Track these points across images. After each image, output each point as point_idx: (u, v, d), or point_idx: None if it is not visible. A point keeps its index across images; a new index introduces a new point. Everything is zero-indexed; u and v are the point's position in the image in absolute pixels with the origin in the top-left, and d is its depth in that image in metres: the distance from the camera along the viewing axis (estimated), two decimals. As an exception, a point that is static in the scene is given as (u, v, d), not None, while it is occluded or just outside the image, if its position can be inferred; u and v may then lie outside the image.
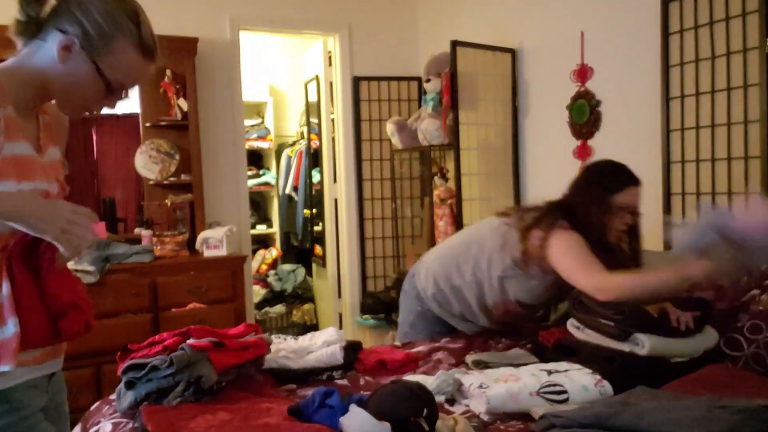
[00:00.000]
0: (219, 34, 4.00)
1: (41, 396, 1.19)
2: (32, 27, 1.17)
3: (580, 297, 1.97)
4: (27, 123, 1.20)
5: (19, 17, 1.16)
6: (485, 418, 1.57)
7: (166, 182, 3.80)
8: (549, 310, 2.49)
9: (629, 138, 3.10)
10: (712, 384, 1.66)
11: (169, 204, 3.81)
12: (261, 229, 5.72)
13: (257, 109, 5.70)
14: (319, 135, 4.92)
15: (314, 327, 5.16)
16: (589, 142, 3.30)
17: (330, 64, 4.58)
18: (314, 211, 5.20)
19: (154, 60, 1.28)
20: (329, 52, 4.58)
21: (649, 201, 2.97)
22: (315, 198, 5.15)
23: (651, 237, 2.93)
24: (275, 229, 5.79)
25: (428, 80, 3.87)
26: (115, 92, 1.23)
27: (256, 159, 5.74)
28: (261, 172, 5.74)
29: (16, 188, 1.10)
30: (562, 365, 1.78)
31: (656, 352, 1.78)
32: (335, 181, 4.63)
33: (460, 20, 4.14)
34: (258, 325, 2.19)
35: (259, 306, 5.10)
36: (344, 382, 1.91)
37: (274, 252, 5.64)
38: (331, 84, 4.60)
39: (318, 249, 5.15)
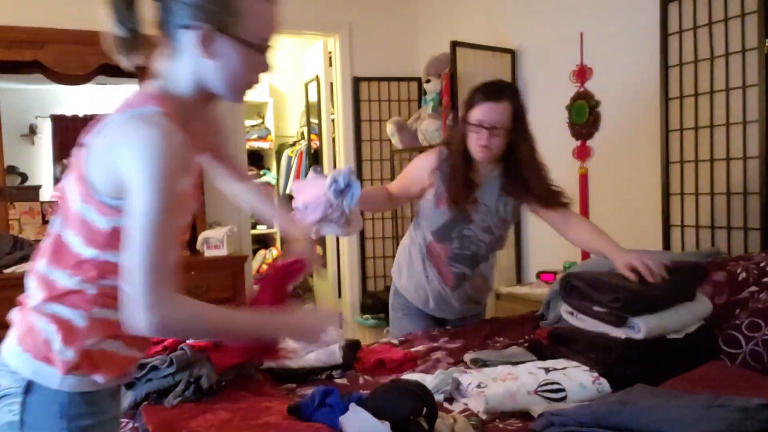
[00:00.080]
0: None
1: (117, 406, 1.21)
2: (145, 39, 1.10)
3: (572, 282, 1.97)
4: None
5: (121, 35, 1.09)
6: (484, 417, 1.57)
7: (166, 182, 3.81)
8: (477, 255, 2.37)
9: (628, 138, 3.11)
10: (711, 382, 1.66)
11: (169, 204, 3.81)
12: (261, 229, 5.72)
13: (258, 110, 5.71)
14: (319, 135, 4.93)
15: (314, 327, 5.16)
16: (589, 143, 3.30)
17: (330, 65, 4.59)
18: (314, 211, 5.20)
19: None
20: (329, 52, 4.59)
21: (648, 201, 2.98)
22: (315, 198, 5.15)
23: (651, 237, 2.94)
24: (275, 229, 5.79)
25: (428, 81, 3.88)
26: (265, 52, 1.14)
27: (257, 159, 5.75)
28: (261, 172, 5.75)
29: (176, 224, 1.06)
30: (560, 363, 1.78)
31: (652, 333, 1.77)
32: (335, 181, 4.63)
33: (460, 21, 4.15)
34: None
35: (260, 306, 5.10)
36: (343, 381, 1.91)
37: (275, 252, 5.65)
38: (331, 84, 4.60)
39: (318, 249, 5.15)
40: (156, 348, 1.76)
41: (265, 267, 5.53)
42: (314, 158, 5.16)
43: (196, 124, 1.19)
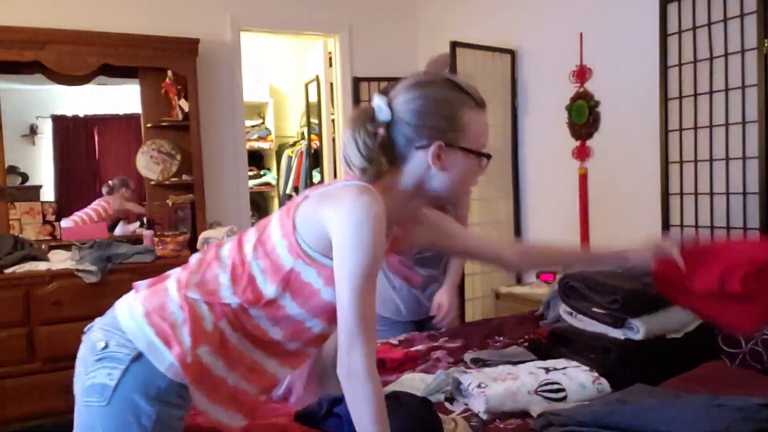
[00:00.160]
0: (220, 35, 4.01)
1: (188, 406, 1.24)
2: (384, 167, 1.18)
3: (570, 283, 1.97)
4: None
5: (371, 169, 1.17)
6: (484, 417, 1.58)
7: (167, 182, 3.82)
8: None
9: (628, 138, 3.11)
10: (710, 382, 1.67)
11: (170, 204, 3.83)
12: (261, 229, 5.72)
13: (258, 110, 5.71)
14: (319, 135, 4.93)
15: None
16: (588, 143, 3.31)
17: (330, 65, 4.59)
18: (315, 211, 5.20)
19: (485, 105, 1.26)
20: (329, 52, 4.59)
21: (647, 201, 2.99)
22: (315, 198, 5.15)
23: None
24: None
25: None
26: (482, 157, 1.26)
27: (257, 159, 5.75)
28: (262, 172, 5.75)
29: None
30: (560, 363, 1.79)
31: (651, 333, 1.78)
32: (336, 181, 4.63)
33: (460, 21, 4.15)
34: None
35: (260, 306, 5.10)
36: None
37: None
38: (331, 84, 4.61)
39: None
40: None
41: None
42: (314, 158, 5.16)
43: (399, 215, 1.26)
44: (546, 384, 1.65)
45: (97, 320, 1.22)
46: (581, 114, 3.30)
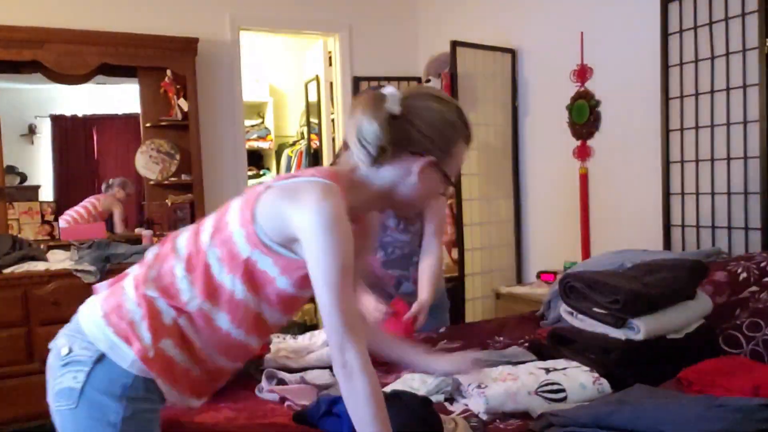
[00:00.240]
0: (219, 34, 4.01)
1: (159, 398, 1.24)
2: (381, 157, 1.20)
3: (571, 283, 1.96)
4: None
5: (371, 151, 1.18)
6: (484, 417, 1.57)
7: (166, 182, 3.81)
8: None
9: (629, 138, 3.10)
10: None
11: (169, 204, 3.82)
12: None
13: (257, 110, 5.70)
14: (319, 135, 4.92)
15: (314, 327, 5.16)
16: (589, 142, 3.30)
17: (330, 65, 4.59)
18: (314, 211, 5.19)
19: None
20: (329, 52, 4.59)
21: (648, 201, 2.98)
22: (315, 198, 5.15)
23: (652, 237, 2.94)
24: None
25: (428, 80, 3.87)
26: (450, 186, 1.29)
27: (257, 159, 5.74)
28: (261, 172, 5.74)
29: None
30: (561, 363, 1.78)
31: (652, 334, 1.77)
32: (335, 181, 4.62)
33: (460, 20, 4.14)
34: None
35: (260, 306, 5.09)
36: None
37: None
38: (331, 84, 4.60)
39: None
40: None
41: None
42: (314, 158, 5.16)
43: (360, 211, 1.29)
44: (546, 384, 1.64)
45: (63, 327, 1.23)
46: (582, 113, 3.29)
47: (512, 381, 1.65)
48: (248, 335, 1.22)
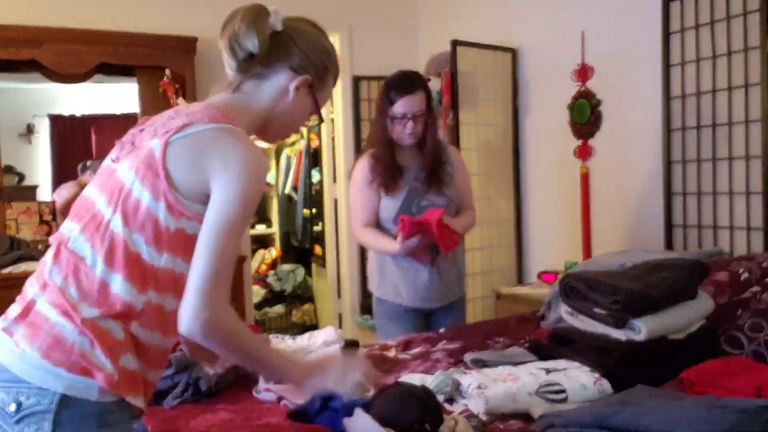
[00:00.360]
0: (218, 33, 3.99)
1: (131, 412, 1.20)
2: (256, 65, 1.22)
3: (571, 283, 1.95)
4: None
5: (240, 55, 1.20)
6: (484, 418, 1.56)
7: (165, 182, 3.80)
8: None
9: (630, 138, 3.09)
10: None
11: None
12: (260, 229, 5.71)
13: (257, 109, 5.69)
14: (318, 135, 4.92)
15: (314, 327, 5.15)
16: (590, 142, 3.29)
17: (330, 64, 4.57)
18: (314, 211, 5.20)
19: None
20: (329, 51, 4.57)
21: (650, 201, 2.97)
22: (314, 198, 5.15)
23: (653, 237, 2.93)
24: (275, 229, 5.79)
25: (428, 80, 3.86)
26: (317, 114, 1.32)
27: (256, 159, 5.73)
28: (261, 172, 5.73)
29: None
30: (561, 363, 1.77)
31: (653, 334, 1.76)
32: (335, 180, 4.62)
33: (460, 20, 4.13)
34: (257, 325, 2.18)
35: (259, 306, 5.09)
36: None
37: (274, 252, 5.64)
38: (331, 84, 4.59)
39: (318, 249, 5.15)
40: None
41: (264, 267, 5.52)
42: (313, 157, 5.15)
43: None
44: (547, 385, 1.63)
45: None
46: (583, 113, 3.28)
47: (512, 381, 1.64)
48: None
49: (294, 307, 5.26)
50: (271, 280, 5.37)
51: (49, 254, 1.15)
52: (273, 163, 5.75)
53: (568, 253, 3.34)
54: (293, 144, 5.62)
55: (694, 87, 2.75)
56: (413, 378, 1.79)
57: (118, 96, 3.86)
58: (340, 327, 4.56)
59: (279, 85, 1.24)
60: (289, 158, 5.52)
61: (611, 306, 1.80)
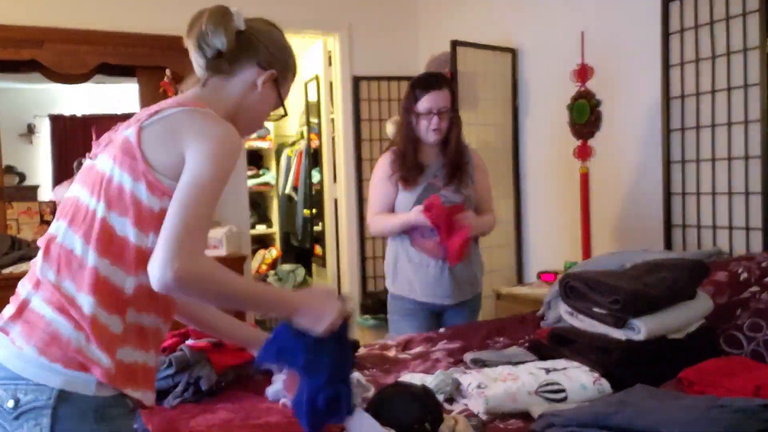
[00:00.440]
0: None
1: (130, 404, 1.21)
2: (224, 63, 1.27)
3: (571, 283, 1.96)
4: None
5: (207, 53, 1.25)
6: (484, 417, 1.56)
7: (165, 182, 3.80)
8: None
9: (630, 138, 3.10)
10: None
11: (168, 204, 3.81)
12: (261, 229, 5.72)
13: (257, 109, 5.69)
14: (319, 135, 4.92)
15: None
16: (590, 142, 3.29)
17: (330, 64, 4.58)
18: (314, 211, 5.20)
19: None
20: (329, 51, 4.58)
21: (649, 201, 2.97)
22: (315, 198, 5.15)
23: (653, 237, 2.93)
24: (275, 229, 5.79)
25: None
26: (281, 108, 1.38)
27: (256, 159, 5.74)
28: (261, 171, 5.74)
29: None
30: (560, 363, 1.77)
31: (653, 334, 1.76)
32: (335, 181, 4.63)
33: (460, 20, 4.13)
34: (258, 325, 2.18)
35: (259, 306, 5.08)
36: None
37: (274, 252, 5.64)
38: (331, 84, 4.59)
39: (318, 249, 5.15)
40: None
41: (264, 267, 5.53)
42: (314, 158, 5.15)
43: None
44: (546, 384, 1.64)
45: None
46: (582, 113, 3.29)
47: (512, 381, 1.64)
48: None
49: (294, 307, 5.25)
50: (271, 280, 5.37)
51: (39, 254, 1.17)
52: (273, 163, 5.75)
53: (567, 253, 3.35)
54: (294, 144, 5.62)
55: (693, 87, 2.75)
56: (413, 378, 1.80)
57: (119, 96, 3.86)
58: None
59: (247, 80, 1.29)
60: (289, 158, 5.53)
61: (611, 306, 1.80)
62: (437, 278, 2.43)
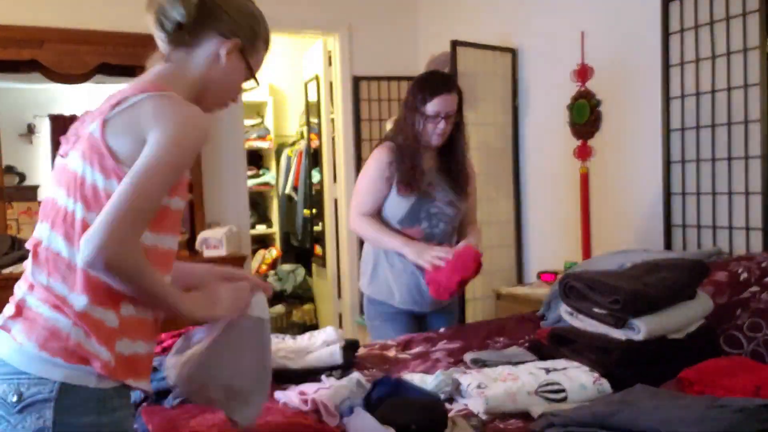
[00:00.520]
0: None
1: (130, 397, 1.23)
2: (185, 35, 1.22)
3: (571, 283, 1.96)
4: None
5: (167, 26, 1.21)
6: (484, 417, 1.56)
7: (165, 182, 3.80)
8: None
9: (630, 138, 3.10)
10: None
11: (168, 204, 3.80)
12: (261, 229, 5.71)
13: (257, 109, 5.69)
14: (319, 135, 4.91)
15: (314, 327, 5.15)
16: (590, 142, 3.29)
17: (330, 64, 4.58)
18: (314, 211, 5.20)
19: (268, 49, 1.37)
20: (329, 51, 4.58)
21: (649, 201, 2.97)
22: (315, 198, 5.15)
23: (653, 237, 2.93)
24: (275, 229, 5.79)
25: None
26: (252, 79, 1.33)
27: (256, 159, 5.73)
28: (261, 171, 5.73)
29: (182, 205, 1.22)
30: (561, 363, 1.77)
31: (653, 334, 1.76)
32: (335, 180, 4.62)
33: (460, 20, 4.13)
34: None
35: (259, 306, 5.08)
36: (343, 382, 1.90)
37: (274, 252, 5.64)
38: (331, 84, 4.59)
39: (318, 249, 5.15)
40: (155, 349, 1.75)
41: (264, 267, 5.52)
42: (314, 158, 5.15)
43: None
44: (546, 384, 1.64)
45: None
46: (582, 113, 3.29)
47: (512, 381, 1.64)
48: (164, 273, 1.21)
49: (294, 307, 5.26)
50: (271, 280, 5.37)
51: (29, 258, 1.18)
52: (273, 163, 5.75)
53: (567, 253, 3.35)
54: (294, 144, 5.62)
55: (693, 87, 2.75)
56: (413, 378, 1.80)
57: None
58: (341, 327, 4.56)
59: (210, 51, 1.24)
60: (289, 158, 5.52)
61: (611, 306, 1.80)
62: (418, 286, 2.36)
